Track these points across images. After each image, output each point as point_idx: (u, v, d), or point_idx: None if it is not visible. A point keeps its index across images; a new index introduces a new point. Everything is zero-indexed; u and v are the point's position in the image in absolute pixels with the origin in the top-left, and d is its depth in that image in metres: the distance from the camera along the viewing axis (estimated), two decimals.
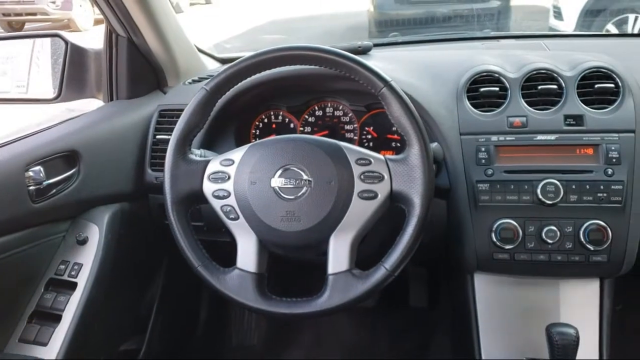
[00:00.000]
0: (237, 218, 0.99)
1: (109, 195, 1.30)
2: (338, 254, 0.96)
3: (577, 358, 1.07)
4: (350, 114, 1.34)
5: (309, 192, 0.96)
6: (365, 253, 1.03)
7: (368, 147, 1.30)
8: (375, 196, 0.96)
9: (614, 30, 4.72)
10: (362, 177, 0.96)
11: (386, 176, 0.97)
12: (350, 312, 1.90)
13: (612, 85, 1.13)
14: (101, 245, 1.23)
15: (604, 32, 4.05)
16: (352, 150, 0.99)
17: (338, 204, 0.95)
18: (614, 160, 1.08)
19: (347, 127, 1.34)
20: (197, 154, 1.06)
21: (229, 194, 0.99)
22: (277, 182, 0.97)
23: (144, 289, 1.54)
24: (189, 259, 1.00)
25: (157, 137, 1.33)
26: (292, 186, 0.96)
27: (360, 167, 0.97)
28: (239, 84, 1.09)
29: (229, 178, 0.99)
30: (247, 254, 0.99)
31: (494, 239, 1.11)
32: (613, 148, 1.09)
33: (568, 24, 4.95)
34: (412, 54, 1.50)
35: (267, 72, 1.13)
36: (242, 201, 0.98)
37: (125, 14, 1.30)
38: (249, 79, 1.11)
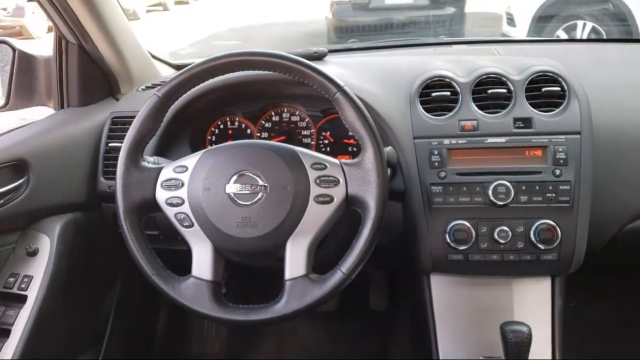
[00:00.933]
0: (191, 225, 0.97)
1: (61, 205, 1.27)
2: (295, 259, 0.96)
3: (530, 355, 1.10)
4: (307, 119, 1.34)
5: (264, 198, 0.96)
6: (324, 257, 1.03)
7: (325, 152, 1.31)
8: (331, 200, 0.97)
9: (563, 35, 4.90)
10: (317, 181, 0.97)
11: (341, 180, 0.97)
12: (311, 317, 1.90)
13: (559, 88, 1.17)
14: (52, 257, 1.20)
15: (554, 38, 4.20)
16: (308, 155, 0.99)
17: (294, 208, 0.95)
18: (562, 161, 1.12)
19: (304, 132, 1.35)
20: (150, 161, 1.04)
21: (183, 201, 0.98)
22: (232, 188, 0.96)
23: (99, 300, 1.50)
24: (143, 268, 0.98)
25: (110, 144, 1.30)
26: (247, 192, 0.96)
27: (316, 171, 0.97)
28: (193, 90, 1.08)
29: (182, 185, 0.98)
30: (202, 262, 0.98)
31: (448, 240, 1.13)
32: (560, 149, 1.12)
33: (520, 30, 5.10)
34: (367, 59, 1.52)
35: (221, 77, 1.13)
36: (196, 208, 0.97)
37: (74, 20, 1.28)
38: (202, 85, 1.10)
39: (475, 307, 1.26)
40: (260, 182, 0.96)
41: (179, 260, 1.04)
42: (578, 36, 4.81)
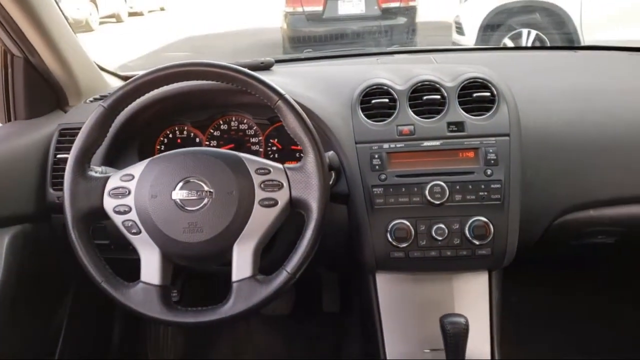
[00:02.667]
0: (139, 232, 1.00)
1: (9, 217, 1.26)
2: (242, 262, 1.00)
3: (469, 345, 1.17)
4: (254, 127, 1.38)
5: (210, 203, 0.99)
6: (274, 260, 1.07)
7: (273, 159, 1.35)
8: (275, 203, 1.01)
9: (509, 44, 5.09)
10: (262, 185, 1.01)
11: (285, 184, 1.02)
12: (266, 320, 1.94)
13: (489, 93, 1.24)
14: (1, 268, 1.20)
15: (490, 46, 4.38)
16: (252, 160, 1.03)
17: (240, 213, 0.99)
18: (492, 161, 1.19)
19: (253, 139, 1.39)
20: (98, 171, 1.06)
21: (130, 209, 1.00)
22: (178, 194, 0.99)
23: (51, 311, 1.50)
24: (92, 276, 1.00)
25: (58, 156, 1.31)
26: (193, 198, 0.99)
27: (260, 176, 1.02)
28: (140, 101, 1.11)
29: (129, 193, 1.01)
30: (150, 267, 1.01)
31: (390, 239, 1.18)
32: (491, 151, 1.19)
33: (469, 39, 5.28)
34: (312, 69, 1.58)
35: (168, 88, 1.16)
36: (143, 215, 1.00)
37: (19, 34, 1.29)
38: (150, 95, 1.13)
39: (419, 302, 1.32)
40: (206, 188, 1.00)
41: (130, 269, 1.06)
42: (523, 44, 5.02)
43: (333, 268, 1.89)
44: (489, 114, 1.23)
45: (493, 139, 1.21)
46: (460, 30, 5.49)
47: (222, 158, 1.02)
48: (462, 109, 1.24)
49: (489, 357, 1.30)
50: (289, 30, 6.20)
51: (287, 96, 1.03)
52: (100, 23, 11.87)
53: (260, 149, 1.38)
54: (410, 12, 6.23)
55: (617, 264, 1.97)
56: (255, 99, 1.05)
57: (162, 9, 16.43)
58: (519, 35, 5.10)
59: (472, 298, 1.31)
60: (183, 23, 12.72)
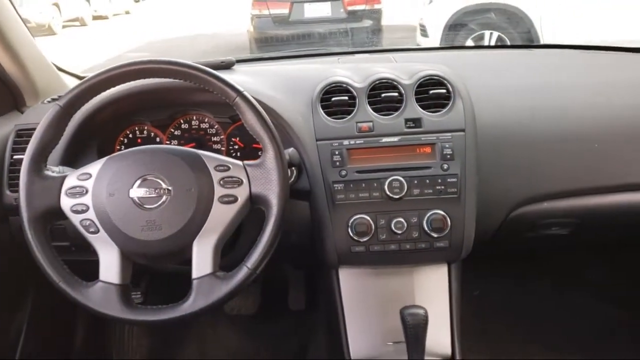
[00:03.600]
0: (97, 231, 1.00)
1: None
2: (201, 259, 1.00)
3: (430, 336, 1.20)
4: (216, 126, 1.38)
5: (169, 201, 0.99)
6: (237, 258, 1.08)
7: (235, 157, 1.36)
8: (235, 200, 1.02)
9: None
10: (221, 182, 1.01)
11: (245, 180, 1.02)
12: (233, 320, 1.94)
13: (445, 90, 1.28)
14: None
15: (447, 45, 4.48)
16: (211, 157, 1.04)
17: (199, 209, 1.00)
18: (448, 156, 1.22)
19: (214, 138, 1.39)
20: (55, 170, 1.05)
21: (88, 208, 1.00)
22: (136, 192, 0.99)
23: (11, 313, 1.47)
24: (50, 276, 0.99)
25: (15, 157, 1.29)
26: (151, 196, 0.99)
27: (220, 173, 1.02)
28: (99, 100, 1.10)
29: (86, 192, 1.00)
30: (109, 266, 1.00)
31: (351, 234, 1.20)
32: (447, 146, 1.22)
33: (433, 41, 5.37)
34: (273, 68, 1.59)
35: (126, 87, 1.16)
36: (101, 214, 0.99)
37: None
38: (108, 95, 1.12)
39: (381, 296, 1.34)
40: (164, 186, 1.00)
41: (93, 270, 1.05)
42: (486, 45, 5.14)
43: (299, 266, 1.91)
44: (444, 110, 1.26)
45: (449, 134, 1.24)
46: (424, 32, 5.57)
47: (181, 155, 1.02)
48: (419, 105, 1.27)
49: (450, 349, 1.33)
50: (256, 32, 6.21)
51: (245, 93, 1.03)
52: (64, 27, 11.67)
53: (222, 148, 1.38)
54: (376, 14, 6.30)
55: (578, 256, 2.03)
56: (216, 97, 1.06)
57: (127, 13, 16.22)
58: (482, 37, 5.22)
59: (433, 290, 1.34)
60: (149, 26, 12.59)
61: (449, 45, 5.10)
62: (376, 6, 6.28)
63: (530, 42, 4.89)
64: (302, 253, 1.47)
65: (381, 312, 1.33)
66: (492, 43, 5.13)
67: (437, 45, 5.23)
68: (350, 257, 1.23)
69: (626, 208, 1.36)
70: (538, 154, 1.31)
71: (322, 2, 6.16)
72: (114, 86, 1.06)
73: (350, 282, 1.35)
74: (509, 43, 5.04)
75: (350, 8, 6.20)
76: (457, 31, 5.26)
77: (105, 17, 14.32)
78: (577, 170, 1.31)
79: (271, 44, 5.92)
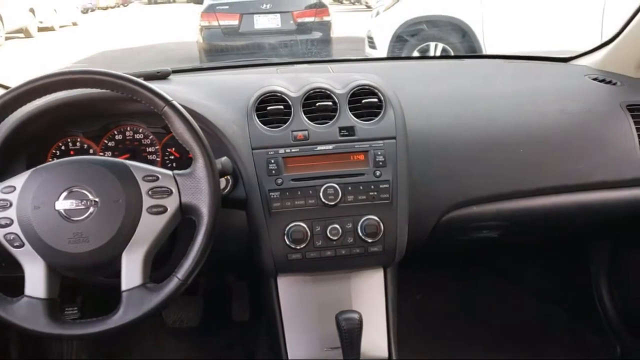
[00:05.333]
0: (22, 245, 0.97)
1: None
2: (131, 270, 0.99)
3: (367, 340, 1.22)
4: (150, 137, 1.37)
5: (96, 212, 0.98)
6: (172, 269, 1.07)
7: (171, 168, 1.35)
8: (164, 210, 1.01)
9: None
10: (150, 192, 1.01)
11: (174, 190, 1.02)
12: (176, 333, 1.91)
13: (376, 100, 1.31)
14: None
15: (393, 56, 4.60)
16: (139, 167, 1.03)
17: (127, 221, 0.99)
18: (381, 163, 1.25)
19: (149, 149, 1.38)
20: None
21: (12, 222, 0.97)
22: (62, 204, 0.97)
23: None
24: None
25: None
26: (78, 207, 0.98)
27: (148, 183, 1.01)
28: (26, 111, 1.08)
29: (10, 205, 0.98)
30: (35, 281, 0.98)
31: (287, 241, 1.21)
32: (379, 153, 1.25)
33: (381, 52, 5.48)
34: (209, 78, 1.59)
35: (55, 97, 1.14)
36: (26, 227, 0.97)
37: None
38: (37, 106, 1.10)
39: (319, 302, 1.35)
40: (91, 197, 0.98)
41: (22, 285, 1.02)
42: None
43: (242, 276, 1.90)
44: (377, 118, 1.30)
45: (381, 142, 1.27)
46: (372, 44, 5.69)
47: (108, 166, 1.01)
48: (353, 114, 1.30)
49: (387, 353, 1.36)
50: (205, 44, 6.19)
51: (174, 102, 1.03)
52: (7, 38, 11.28)
53: (157, 159, 1.37)
54: (325, 26, 6.40)
55: (514, 258, 2.11)
56: (149, 107, 1.05)
57: (74, 24, 15.84)
58: (427, 48, 5.37)
59: (369, 294, 1.36)
60: (97, 38, 12.35)
61: (396, 56, 5.22)
62: (325, 18, 6.38)
63: (473, 53, 5.06)
64: (243, 263, 1.47)
65: (319, 319, 1.35)
66: (438, 54, 5.28)
67: (384, 56, 5.35)
68: (287, 264, 1.24)
69: (552, 210, 1.43)
70: (466, 160, 1.36)
71: (272, 14, 6.20)
72: (40, 97, 1.04)
73: (289, 290, 1.36)
74: (452, 54, 5.19)
75: (299, 20, 6.28)
76: (403, 43, 5.40)
77: (52, 29, 13.95)
78: (504, 175, 1.37)
79: (221, 55, 5.92)
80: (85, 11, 19.20)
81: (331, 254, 1.23)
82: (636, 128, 1.42)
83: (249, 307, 1.97)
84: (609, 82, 1.57)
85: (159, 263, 1.20)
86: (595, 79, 1.59)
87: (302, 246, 1.22)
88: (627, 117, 1.44)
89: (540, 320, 2.00)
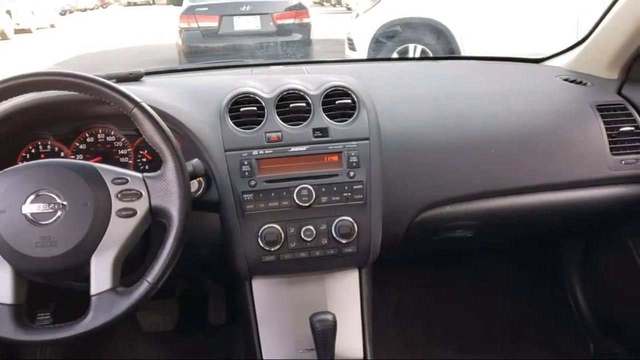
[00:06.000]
0: None
1: None
2: (100, 274, 0.97)
3: (342, 341, 1.22)
4: (122, 139, 1.36)
5: (64, 216, 0.96)
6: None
7: (144, 170, 1.33)
8: (134, 213, 1.00)
9: None
10: (119, 195, 0.99)
11: (144, 193, 1.01)
12: (152, 338, 1.89)
13: (350, 101, 1.31)
14: None
15: (368, 58, 4.63)
16: (108, 170, 1.02)
17: (96, 224, 0.97)
18: (354, 164, 1.25)
19: (121, 151, 1.36)
20: None
21: None
22: (29, 208, 0.96)
23: None
24: None
25: None
26: (45, 211, 0.96)
27: (117, 186, 1.00)
28: None
29: None
30: (1, 286, 0.96)
31: (261, 244, 1.21)
32: (353, 154, 1.26)
33: (360, 54, 5.50)
34: (182, 79, 1.58)
35: (22, 101, 1.12)
36: None
37: None
38: (2, 109, 1.08)
39: (294, 304, 1.35)
40: (59, 200, 0.97)
41: None
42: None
43: (218, 279, 1.89)
44: (350, 119, 1.30)
45: (355, 143, 1.27)
46: (352, 45, 5.71)
47: (76, 169, 0.99)
48: (327, 115, 1.30)
49: (362, 354, 1.36)
50: (184, 46, 6.16)
51: (142, 104, 1.02)
52: None
53: (130, 161, 1.36)
54: (305, 28, 6.41)
55: (488, 258, 2.13)
56: (118, 109, 1.04)
57: (52, 26, 15.66)
58: (406, 50, 5.40)
59: (344, 296, 1.36)
60: (76, 40, 12.20)
61: (372, 57, 5.24)
62: (305, 20, 6.39)
63: (451, 54, 5.10)
64: (218, 266, 1.46)
65: (294, 320, 1.34)
66: (417, 55, 5.32)
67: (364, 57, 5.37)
68: (261, 267, 1.24)
69: (524, 209, 1.44)
70: (439, 160, 1.37)
71: (252, 16, 6.19)
72: (6, 99, 1.02)
73: (264, 292, 1.35)
74: (431, 55, 5.23)
75: (279, 22, 6.28)
76: (382, 44, 5.42)
77: (29, 31, 13.78)
78: (476, 175, 1.38)
79: (200, 56, 5.89)
80: (63, 13, 19.00)
81: (305, 255, 1.23)
82: (606, 128, 1.45)
83: (225, 310, 1.96)
84: (580, 83, 1.59)
85: (132, 267, 1.19)
86: (566, 80, 1.61)
87: (276, 248, 1.21)
88: (596, 117, 1.46)
89: (515, 320, 2.02)
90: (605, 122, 1.45)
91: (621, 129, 1.45)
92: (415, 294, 2.05)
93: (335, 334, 1.19)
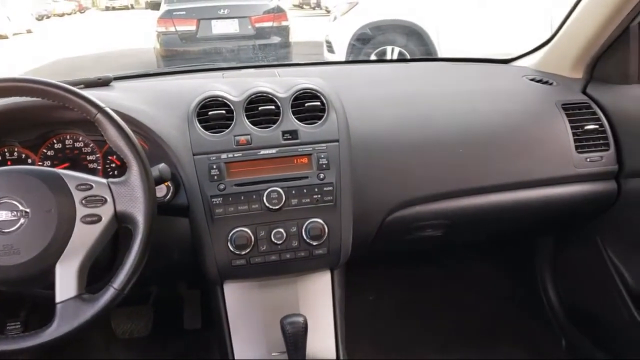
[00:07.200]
0: None
1: None
2: (65, 281, 0.96)
3: (315, 343, 1.22)
4: (91, 145, 1.34)
5: (27, 223, 0.95)
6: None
7: (113, 176, 1.33)
8: (99, 219, 0.99)
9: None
10: (83, 202, 0.99)
11: (109, 199, 1.00)
12: (127, 344, 1.87)
13: (319, 103, 1.32)
14: None
15: (338, 61, 4.66)
16: (72, 176, 1.01)
17: (60, 231, 0.96)
18: (324, 166, 1.26)
19: (90, 157, 1.35)
20: None
21: None
22: None
23: None
24: None
25: None
26: (7, 219, 0.95)
27: (81, 192, 0.99)
28: None
29: None
30: None
31: (231, 247, 1.21)
32: (323, 156, 1.26)
33: (339, 56, 5.53)
34: (151, 83, 1.57)
35: None
36: None
37: None
38: None
39: (266, 308, 1.35)
40: (21, 208, 0.96)
41: None
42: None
43: (192, 284, 1.88)
44: (320, 122, 1.30)
45: (324, 145, 1.28)
46: (330, 48, 5.73)
47: (39, 176, 0.99)
48: (296, 118, 1.30)
49: (334, 355, 1.36)
50: (162, 50, 6.11)
51: (106, 108, 1.02)
52: None
53: (99, 167, 1.35)
54: (284, 31, 6.40)
55: (463, 257, 2.15)
56: (82, 115, 1.03)
57: (29, 32, 15.46)
58: (384, 51, 5.43)
59: (316, 298, 1.37)
60: (53, 46, 12.06)
61: (346, 60, 5.26)
62: (284, 23, 6.38)
63: (428, 56, 5.15)
64: (191, 270, 1.45)
65: (266, 324, 1.34)
66: (394, 57, 5.35)
67: (342, 59, 5.39)
68: (231, 271, 1.23)
69: (493, 208, 1.46)
70: (408, 161, 1.38)
71: (230, 19, 6.17)
72: None
73: (235, 296, 1.35)
74: (408, 57, 5.27)
75: (258, 25, 6.27)
76: (360, 47, 5.45)
77: (5, 37, 13.60)
78: (445, 175, 1.40)
79: (179, 60, 5.86)
80: (40, 18, 18.76)
81: (276, 258, 1.23)
82: (571, 126, 1.47)
83: (200, 315, 1.95)
84: (546, 82, 1.62)
85: (101, 274, 1.18)
86: (532, 80, 1.64)
87: (246, 252, 1.21)
88: (562, 116, 1.48)
89: (490, 317, 2.04)
90: (570, 121, 1.48)
91: (586, 127, 1.48)
92: (391, 294, 2.06)
93: (306, 336, 1.19)
